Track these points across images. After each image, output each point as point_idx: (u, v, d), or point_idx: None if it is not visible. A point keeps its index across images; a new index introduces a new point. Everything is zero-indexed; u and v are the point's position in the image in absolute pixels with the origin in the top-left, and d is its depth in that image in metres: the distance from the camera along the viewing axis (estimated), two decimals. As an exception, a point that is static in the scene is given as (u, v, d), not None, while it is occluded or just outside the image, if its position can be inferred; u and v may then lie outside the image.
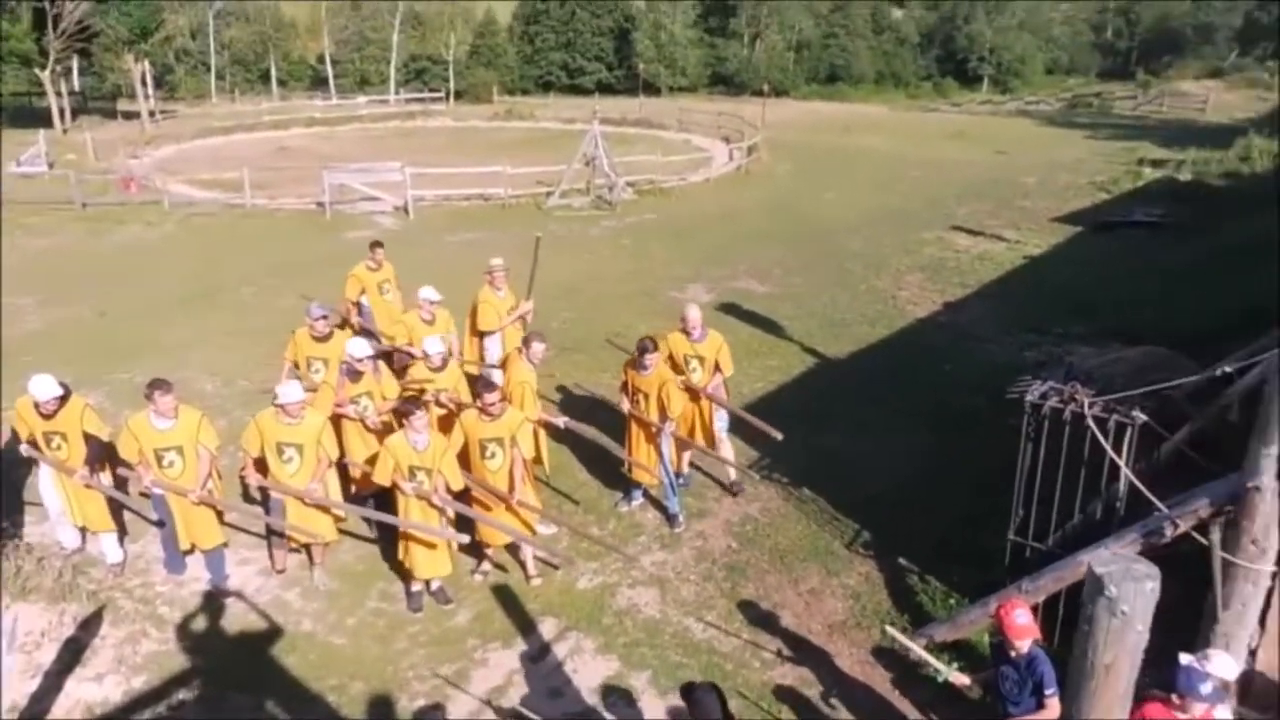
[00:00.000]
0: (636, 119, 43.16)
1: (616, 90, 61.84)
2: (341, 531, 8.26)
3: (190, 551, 8.01)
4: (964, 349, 13.37)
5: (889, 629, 7.16)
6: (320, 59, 63.89)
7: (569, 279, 16.12)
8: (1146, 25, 69.81)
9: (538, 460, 8.68)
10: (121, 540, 8.38)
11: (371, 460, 7.88)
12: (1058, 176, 28.24)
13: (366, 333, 10.64)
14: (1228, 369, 6.33)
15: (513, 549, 8.21)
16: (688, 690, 4.93)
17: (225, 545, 8.09)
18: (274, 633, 7.54)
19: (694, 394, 8.97)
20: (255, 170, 25.06)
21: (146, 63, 45.64)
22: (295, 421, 7.53)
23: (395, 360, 9.90)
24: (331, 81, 61.47)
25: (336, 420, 8.41)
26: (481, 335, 10.50)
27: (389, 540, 8.15)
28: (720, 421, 9.26)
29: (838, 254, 18.96)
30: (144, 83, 44.55)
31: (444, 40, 62.08)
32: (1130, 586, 2.43)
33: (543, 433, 8.82)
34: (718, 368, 9.04)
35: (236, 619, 7.70)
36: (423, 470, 7.35)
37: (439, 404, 8.65)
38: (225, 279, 16.99)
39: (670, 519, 8.95)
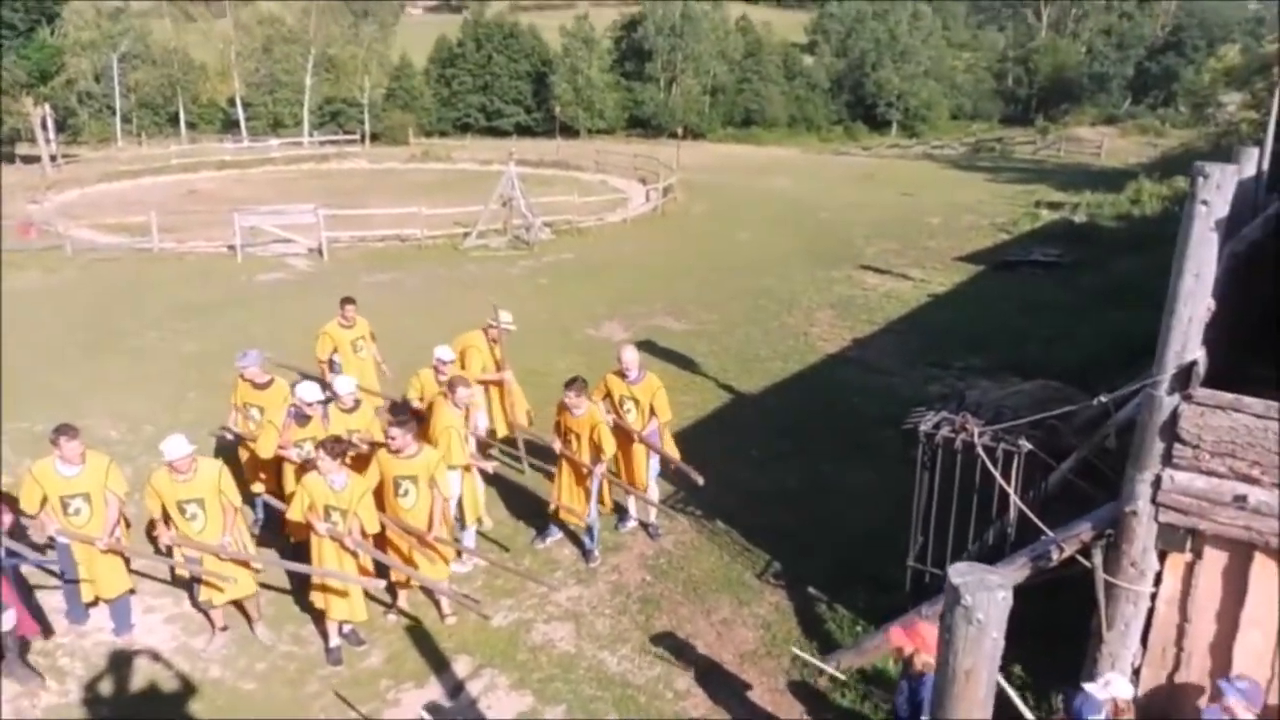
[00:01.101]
0: (554, 160, 43.56)
1: (535, 132, 62.33)
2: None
3: (95, 603, 7.79)
4: (871, 383, 13.79)
5: (795, 650, 7.38)
6: (231, 101, 62.83)
7: (485, 318, 16.14)
8: (1045, 74, 72.93)
9: (474, 515, 8.78)
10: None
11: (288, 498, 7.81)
12: (961, 217, 29.30)
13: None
14: (1103, 399, 6.70)
15: (426, 589, 8.21)
16: None
17: (133, 592, 7.91)
18: (180, 680, 7.39)
19: (627, 436, 9.04)
20: (163, 214, 24.63)
21: (47, 106, 44.39)
22: (188, 476, 7.30)
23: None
24: (243, 124, 60.39)
25: (278, 461, 8.37)
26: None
27: (301, 582, 8.07)
28: (653, 468, 9.40)
29: (752, 291, 19.38)
30: (44, 126, 43.25)
31: (358, 83, 61.76)
32: (984, 595, 2.62)
33: (477, 478, 8.87)
34: (653, 412, 9.15)
35: (141, 668, 7.52)
36: (338, 510, 7.33)
37: (352, 445, 8.62)
38: (129, 324, 16.62)
39: (586, 554, 9.02)
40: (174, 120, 61.91)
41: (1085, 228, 26.16)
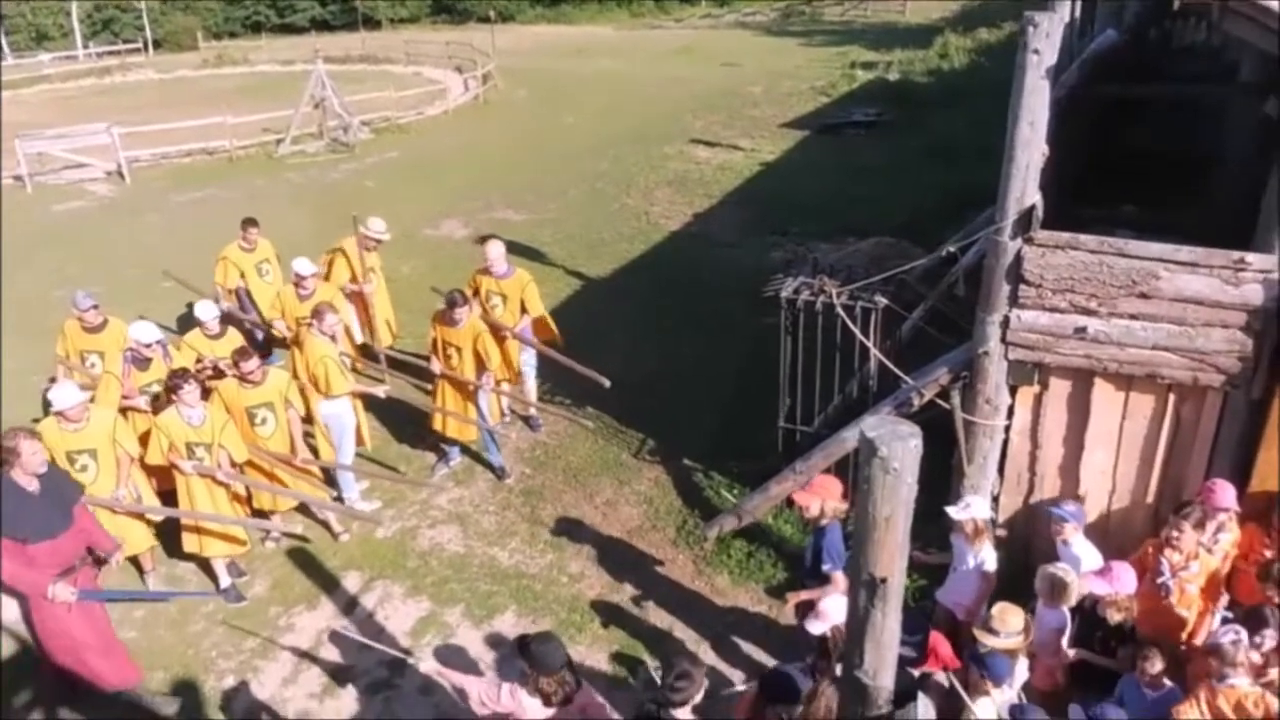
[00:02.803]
0: (361, 55, 41.20)
1: (334, 26, 58.50)
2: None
3: None
4: (716, 256, 14.01)
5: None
6: (-18, 14, 56.31)
7: (314, 230, 15.43)
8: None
9: (359, 441, 8.49)
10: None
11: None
12: (781, 84, 29.59)
13: (244, 324, 9.91)
14: (951, 249, 7.03)
15: (304, 509, 8.03)
16: (522, 645, 4.89)
17: None
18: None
19: (497, 332, 8.71)
20: (-69, 144, 22.10)
21: None
22: (80, 426, 6.78)
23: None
24: (3, 40, 54.39)
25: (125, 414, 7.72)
26: None
27: (172, 524, 7.67)
28: (528, 361, 9.27)
29: (588, 176, 19.18)
30: None
31: (130, -15, 56.35)
32: (898, 445, 2.76)
33: (360, 405, 8.55)
34: (524, 308, 8.95)
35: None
36: (201, 445, 6.98)
37: (218, 373, 8.16)
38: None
39: (497, 472, 8.81)
40: (-85, 40, 55.13)
41: (899, 85, 26.88)
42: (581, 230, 15.68)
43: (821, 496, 5.73)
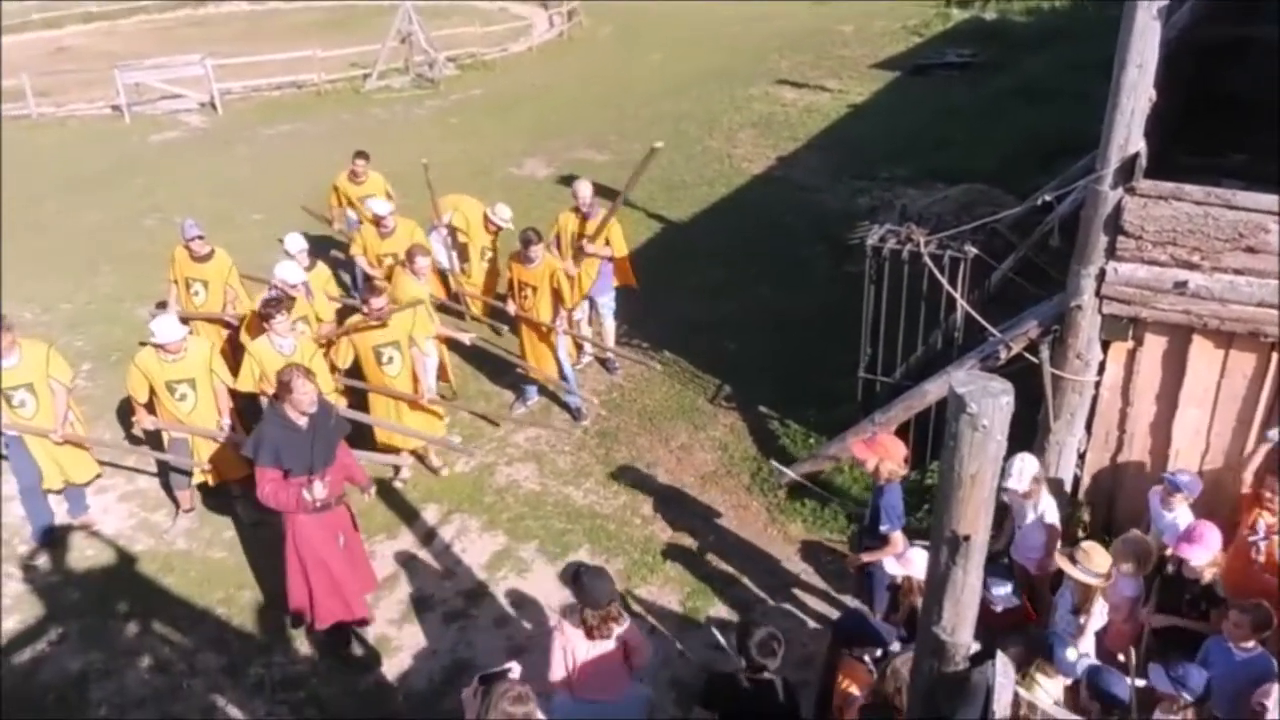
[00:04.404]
0: (447, -11, 41.18)
1: (421, -40, 58.58)
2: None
3: (61, 490, 7.42)
4: (800, 201, 13.75)
5: (772, 463, 7.67)
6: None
7: (399, 166, 15.53)
8: None
9: (444, 378, 8.62)
10: None
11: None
12: (873, 23, 28.71)
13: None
14: (1047, 198, 6.78)
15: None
16: (575, 575, 4.96)
17: (99, 477, 7.69)
18: (147, 556, 7.36)
19: (579, 255, 8.75)
20: (35, 76, 22.76)
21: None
22: (179, 357, 6.95)
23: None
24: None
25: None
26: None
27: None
28: (608, 304, 9.25)
29: (670, 116, 18.93)
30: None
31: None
32: (989, 402, 2.68)
33: (445, 350, 8.69)
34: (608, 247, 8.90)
35: (104, 547, 7.45)
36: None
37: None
38: (20, 199, 15.58)
39: (573, 413, 8.85)
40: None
41: (996, 25, 25.87)
42: (662, 172, 15.50)
43: (880, 455, 5.62)
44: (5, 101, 21.59)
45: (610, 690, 4.91)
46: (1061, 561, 5.16)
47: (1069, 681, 4.79)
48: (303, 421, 5.73)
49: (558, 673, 4.88)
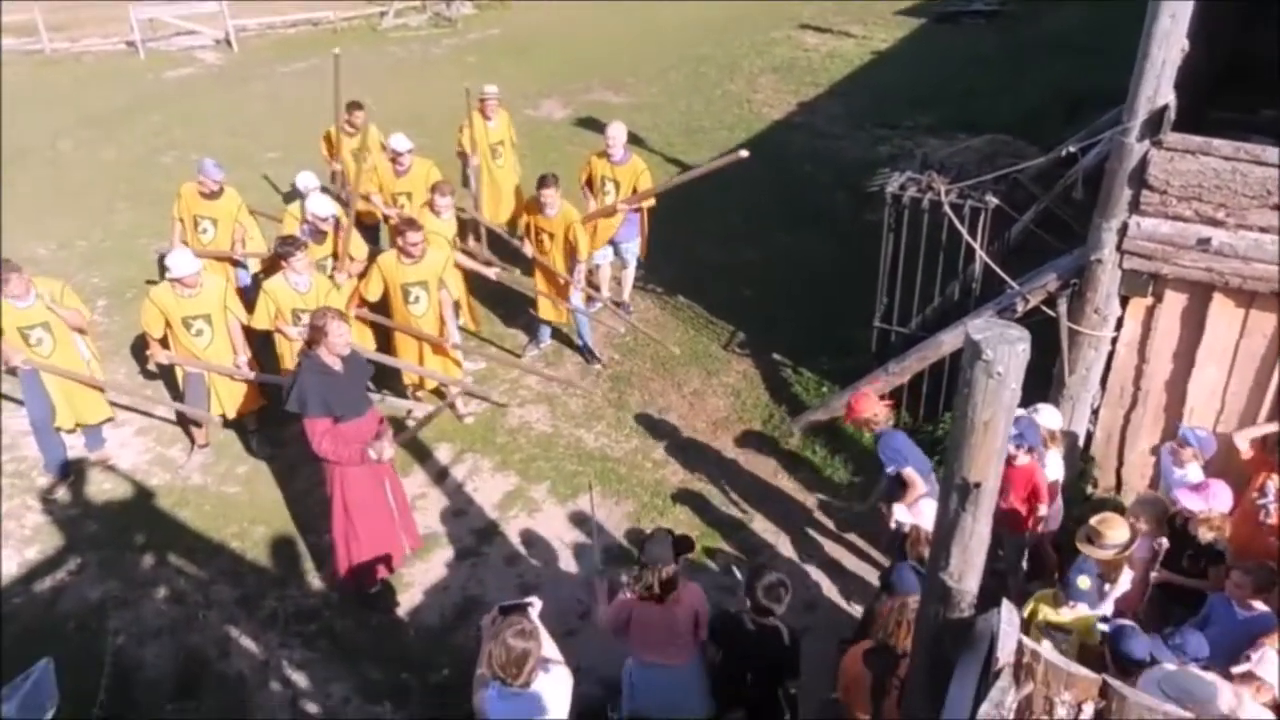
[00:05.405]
0: (466, -74, 40.45)
1: (440, -106, 57.52)
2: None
3: (72, 430, 7.44)
4: (820, 148, 13.58)
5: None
6: None
7: (416, 105, 15.41)
8: None
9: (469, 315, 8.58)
10: None
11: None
12: (899, -33, 28.13)
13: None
14: (1071, 149, 6.68)
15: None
16: (640, 542, 4.99)
17: (111, 420, 7.73)
18: (163, 490, 7.45)
19: (609, 212, 8.68)
20: (48, 10, 22.50)
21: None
22: (194, 292, 6.94)
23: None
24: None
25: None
26: None
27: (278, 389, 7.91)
28: (631, 250, 9.15)
29: (690, 59, 18.66)
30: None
31: None
32: (1005, 349, 2.67)
33: (464, 284, 8.62)
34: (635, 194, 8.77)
35: (121, 481, 7.54)
36: (307, 313, 7.08)
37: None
38: (36, 134, 15.52)
39: (586, 355, 8.84)
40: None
41: (1025, -29, 25.31)
42: (681, 116, 15.35)
43: (860, 414, 5.93)
44: (17, 36, 21.38)
45: (674, 656, 4.84)
46: (1082, 546, 5.07)
47: (1076, 611, 4.79)
48: (338, 365, 5.73)
49: (619, 634, 4.87)
